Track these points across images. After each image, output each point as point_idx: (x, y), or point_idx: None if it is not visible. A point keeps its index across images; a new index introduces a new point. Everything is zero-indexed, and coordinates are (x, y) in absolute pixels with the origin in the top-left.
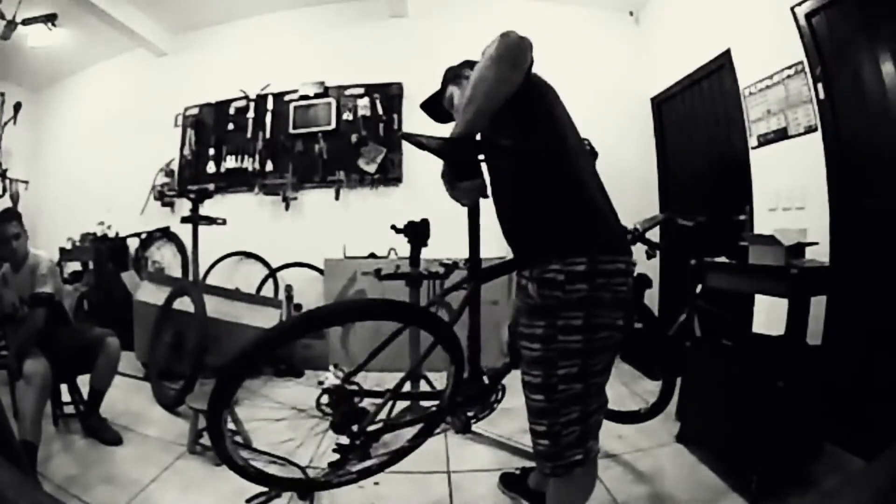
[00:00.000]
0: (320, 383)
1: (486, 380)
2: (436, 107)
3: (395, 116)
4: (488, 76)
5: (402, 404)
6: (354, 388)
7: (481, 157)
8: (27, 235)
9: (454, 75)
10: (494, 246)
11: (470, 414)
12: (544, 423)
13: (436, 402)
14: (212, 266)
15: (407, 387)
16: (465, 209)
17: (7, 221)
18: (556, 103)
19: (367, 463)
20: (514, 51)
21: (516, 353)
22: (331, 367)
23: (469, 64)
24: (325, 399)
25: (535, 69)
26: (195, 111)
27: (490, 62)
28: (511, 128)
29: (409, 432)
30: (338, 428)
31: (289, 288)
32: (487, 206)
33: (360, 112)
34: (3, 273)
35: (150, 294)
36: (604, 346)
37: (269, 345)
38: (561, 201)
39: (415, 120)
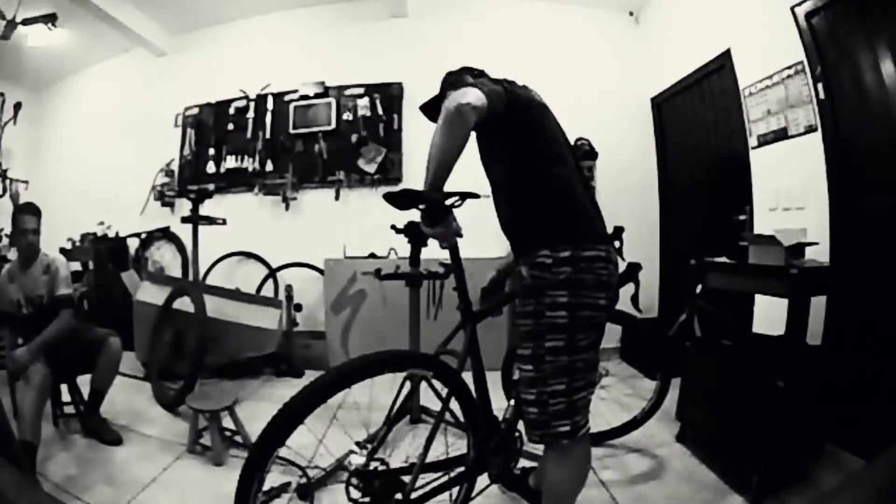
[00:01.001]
0: (345, 468)
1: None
2: (435, 110)
3: (395, 116)
4: (437, 142)
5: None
6: (381, 465)
7: (454, 200)
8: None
9: (453, 81)
10: (495, 247)
11: (500, 465)
12: (533, 392)
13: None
14: (212, 266)
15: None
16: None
17: (30, 213)
18: (542, 115)
19: None
20: (454, 121)
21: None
22: (354, 447)
23: (468, 70)
24: (354, 482)
25: (531, 76)
26: (195, 111)
27: (438, 130)
28: (501, 145)
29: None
30: None
31: (289, 288)
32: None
33: (360, 112)
34: (8, 270)
35: (150, 294)
36: (587, 322)
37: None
38: (548, 201)
39: (415, 120)
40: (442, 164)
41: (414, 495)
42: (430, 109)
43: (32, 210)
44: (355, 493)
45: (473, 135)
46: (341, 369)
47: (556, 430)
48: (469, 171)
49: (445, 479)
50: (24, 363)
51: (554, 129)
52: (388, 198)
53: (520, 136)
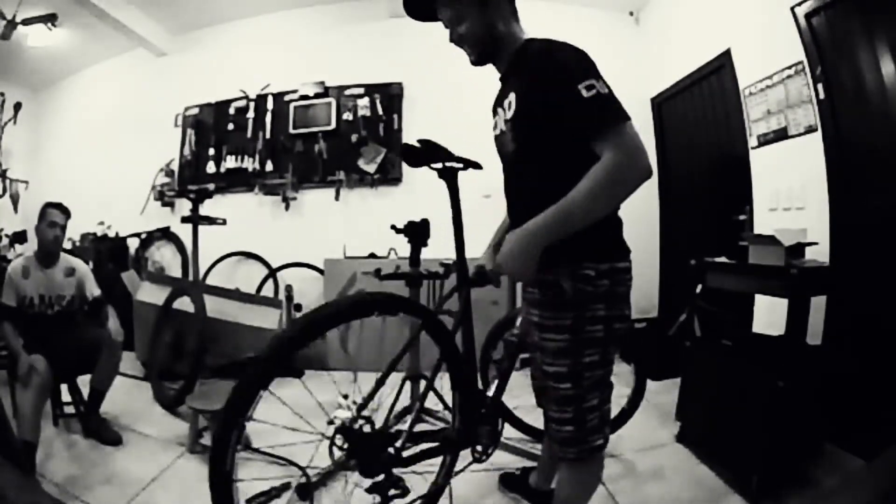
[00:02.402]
0: (331, 422)
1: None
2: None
3: (395, 116)
4: (588, 197)
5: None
6: (367, 425)
7: None
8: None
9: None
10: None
11: (483, 441)
12: (570, 410)
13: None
14: (212, 266)
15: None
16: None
17: (61, 210)
18: None
19: None
20: (626, 182)
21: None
22: (339, 400)
23: None
24: (338, 440)
25: None
26: (195, 111)
27: (599, 181)
28: (558, 147)
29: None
30: (367, 469)
31: (289, 288)
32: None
33: (360, 112)
34: (22, 265)
35: (150, 294)
36: (618, 335)
37: (290, 345)
38: None
39: (415, 120)
40: (574, 223)
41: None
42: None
43: (63, 208)
44: (338, 453)
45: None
46: (338, 305)
47: (591, 445)
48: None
49: (429, 446)
50: (119, 341)
51: None
52: (406, 150)
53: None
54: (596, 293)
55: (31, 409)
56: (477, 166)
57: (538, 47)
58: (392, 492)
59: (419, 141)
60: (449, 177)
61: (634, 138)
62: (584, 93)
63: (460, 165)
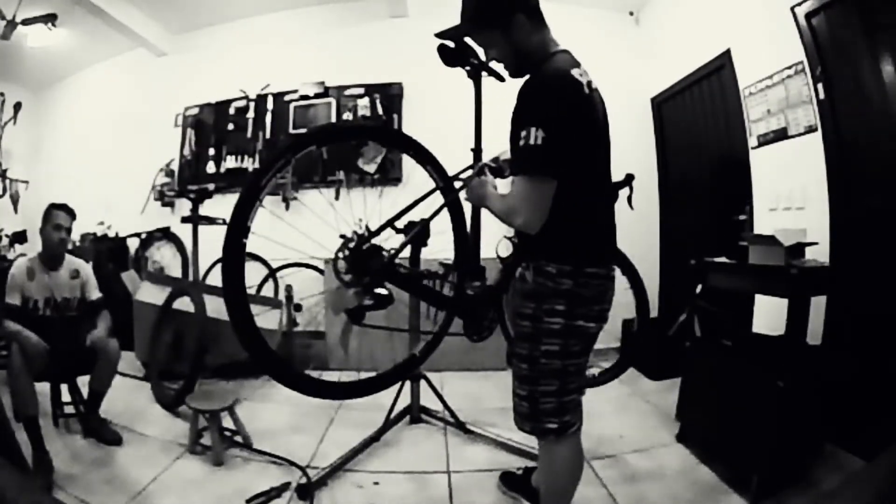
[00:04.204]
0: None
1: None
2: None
3: (395, 116)
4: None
5: None
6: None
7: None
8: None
9: (494, 23)
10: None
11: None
12: (526, 389)
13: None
14: (212, 266)
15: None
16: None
17: (66, 212)
18: (585, 127)
19: None
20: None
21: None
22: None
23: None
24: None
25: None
26: (195, 111)
27: (499, 202)
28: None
29: None
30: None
31: (289, 288)
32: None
33: (360, 112)
34: (27, 266)
35: (150, 294)
36: (581, 331)
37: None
38: (564, 217)
39: (415, 120)
40: (497, 213)
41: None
42: (447, 43)
43: (68, 210)
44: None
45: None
46: (335, 125)
47: (544, 426)
48: None
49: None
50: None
51: (592, 136)
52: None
53: (560, 156)
54: (556, 290)
55: (25, 378)
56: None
57: (527, 80)
58: (377, 291)
59: (455, 42)
60: (476, 76)
61: (527, 192)
62: (521, 140)
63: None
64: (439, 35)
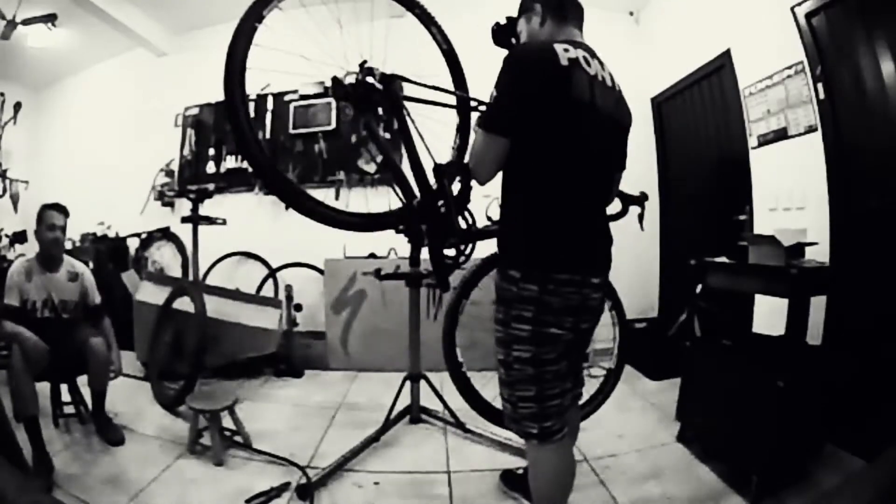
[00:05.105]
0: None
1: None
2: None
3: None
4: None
5: None
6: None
7: None
8: None
9: (524, 9)
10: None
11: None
12: (505, 393)
13: None
14: (212, 266)
15: None
16: None
17: (59, 211)
18: (552, 95)
19: None
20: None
21: None
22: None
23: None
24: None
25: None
26: (195, 111)
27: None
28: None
29: None
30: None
31: (289, 288)
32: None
33: None
34: (25, 267)
35: (150, 294)
36: (552, 338)
37: None
38: (534, 219)
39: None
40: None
41: None
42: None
43: (61, 208)
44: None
45: None
46: None
47: (525, 430)
48: None
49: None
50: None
51: (572, 130)
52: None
53: (524, 143)
54: (520, 295)
55: (26, 379)
56: None
57: None
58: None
59: (507, 18)
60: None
61: (476, 146)
62: (490, 98)
63: None
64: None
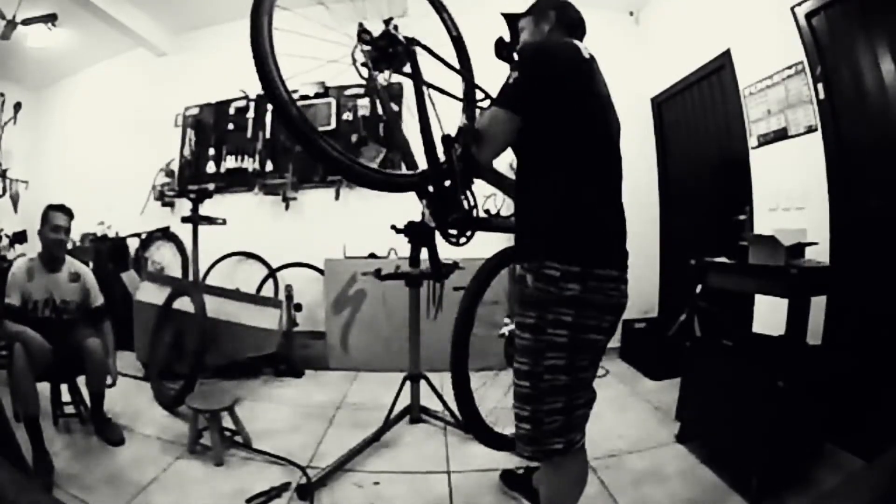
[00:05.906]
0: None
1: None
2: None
3: (396, 115)
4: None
5: None
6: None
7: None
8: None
9: (537, 11)
10: (492, 247)
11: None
12: (528, 409)
13: None
14: (212, 266)
15: None
16: None
17: (64, 212)
18: (573, 81)
19: None
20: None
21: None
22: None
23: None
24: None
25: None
26: (195, 111)
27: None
28: (531, 131)
29: None
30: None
31: (289, 288)
32: None
33: (360, 112)
34: (27, 266)
35: (150, 294)
36: (591, 344)
37: None
38: (566, 210)
39: (414, 120)
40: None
41: None
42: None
43: (66, 210)
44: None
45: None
46: None
47: (548, 448)
48: None
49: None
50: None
51: (597, 119)
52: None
53: (550, 131)
54: (560, 297)
55: (27, 377)
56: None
57: None
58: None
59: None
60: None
61: (486, 120)
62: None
63: None
64: (504, 15)
